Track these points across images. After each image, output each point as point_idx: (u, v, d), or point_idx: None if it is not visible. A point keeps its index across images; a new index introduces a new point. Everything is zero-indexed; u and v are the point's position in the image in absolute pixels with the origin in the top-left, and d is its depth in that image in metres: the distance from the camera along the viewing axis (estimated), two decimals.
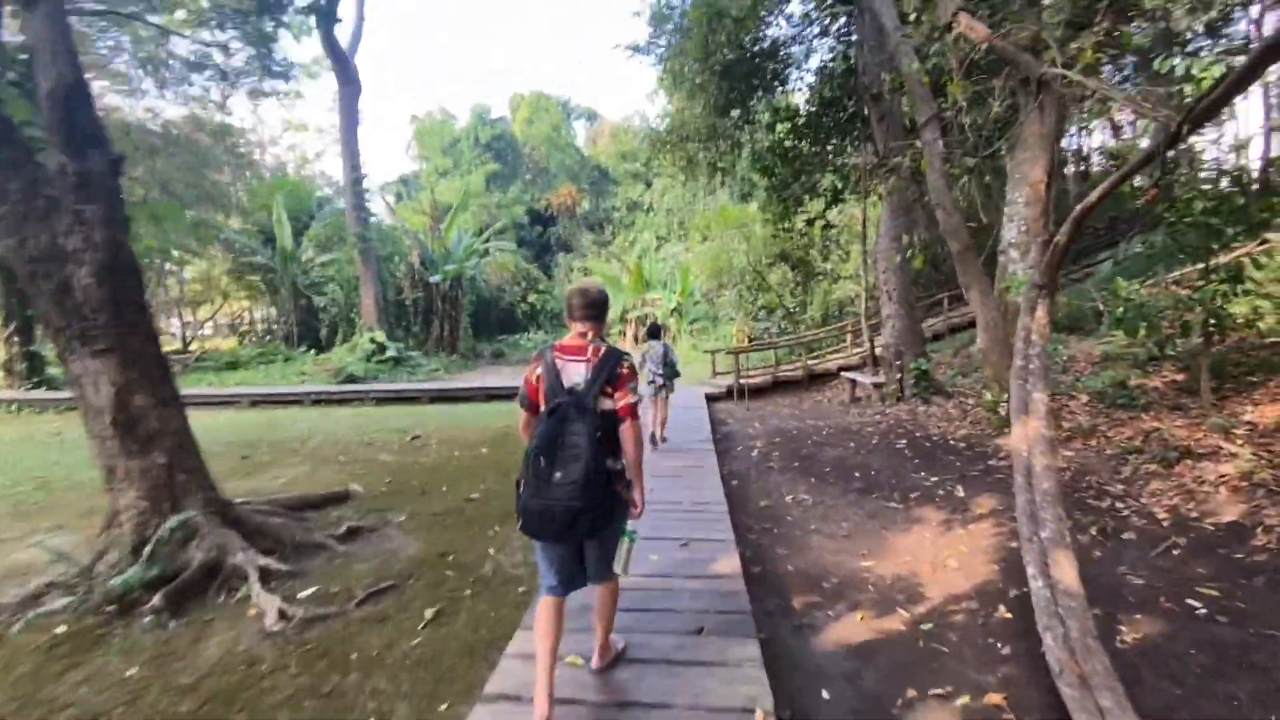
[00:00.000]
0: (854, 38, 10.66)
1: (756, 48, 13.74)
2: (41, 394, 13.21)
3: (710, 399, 11.89)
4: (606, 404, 2.25)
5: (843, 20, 12.73)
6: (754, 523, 5.04)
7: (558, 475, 2.10)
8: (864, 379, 9.98)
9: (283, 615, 3.56)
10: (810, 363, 13.22)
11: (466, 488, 6.24)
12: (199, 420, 11.07)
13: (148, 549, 3.86)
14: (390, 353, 17.49)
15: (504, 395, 12.97)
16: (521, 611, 3.42)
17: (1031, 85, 4.68)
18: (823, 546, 4.51)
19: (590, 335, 2.34)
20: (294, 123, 35.12)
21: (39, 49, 3.99)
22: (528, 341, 23.69)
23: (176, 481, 4.20)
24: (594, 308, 2.38)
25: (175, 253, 14.22)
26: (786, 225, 15.45)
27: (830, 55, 13.68)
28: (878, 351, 10.58)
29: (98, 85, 22.69)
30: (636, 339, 26.52)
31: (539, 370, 2.31)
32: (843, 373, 11.17)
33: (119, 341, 4.03)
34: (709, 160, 15.12)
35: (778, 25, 13.91)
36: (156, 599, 3.69)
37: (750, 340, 15.88)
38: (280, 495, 5.89)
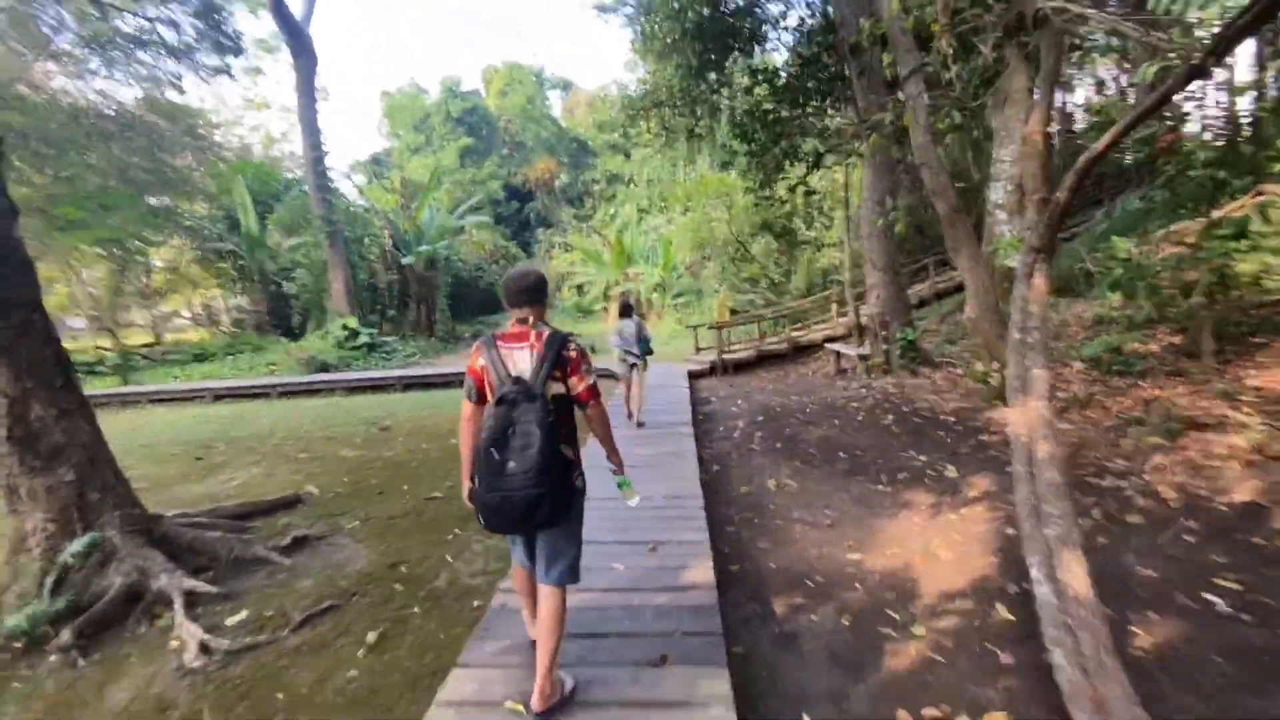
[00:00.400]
0: None
1: (730, 5, 13.08)
2: None
3: (693, 376, 11.53)
4: (557, 389, 2.21)
5: None
6: (734, 513, 4.71)
7: (511, 465, 2.05)
8: (849, 350, 9.65)
9: (205, 649, 3.18)
10: (795, 335, 12.87)
11: (429, 485, 5.86)
12: (160, 418, 10.63)
13: (50, 578, 3.44)
14: (363, 339, 16.92)
15: None
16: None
17: (1025, 26, 4.24)
18: (807, 538, 4.19)
19: (531, 320, 2.27)
20: (256, 101, 33.71)
21: None
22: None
23: (88, 499, 3.77)
24: (530, 292, 2.29)
25: (133, 242, 13.41)
26: (768, 193, 14.96)
27: (809, 10, 13.05)
28: (863, 321, 10.24)
29: (44, 68, 21.56)
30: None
31: (481, 360, 2.25)
32: (827, 345, 10.83)
33: (9, 346, 3.55)
34: (686, 126, 14.52)
35: None
36: (65, 634, 3.29)
37: (732, 313, 15.47)
38: (225, 504, 5.48)
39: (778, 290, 19.04)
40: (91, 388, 13.63)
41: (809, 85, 13.50)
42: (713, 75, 13.82)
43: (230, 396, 12.00)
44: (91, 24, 18.05)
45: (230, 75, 19.27)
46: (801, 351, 12.80)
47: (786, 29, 13.58)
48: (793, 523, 4.45)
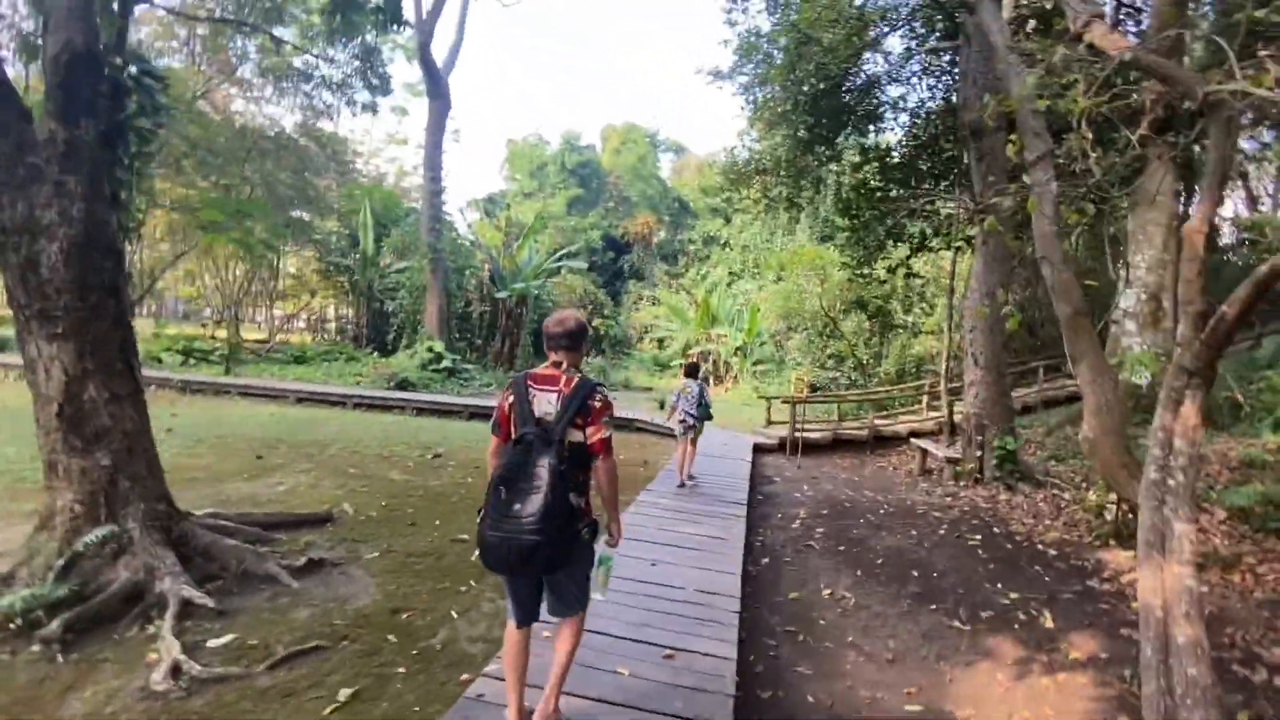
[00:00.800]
0: (957, 70, 9.65)
1: (848, 83, 12.93)
2: None
3: (759, 450, 10.86)
4: (576, 436, 2.18)
5: (946, 58, 11.74)
6: (777, 622, 4.09)
7: (516, 507, 2.02)
8: (937, 450, 8.72)
9: (176, 671, 2.96)
10: (878, 422, 11.93)
11: (462, 522, 5.60)
12: (244, 411, 11.22)
13: (60, 562, 3.40)
14: (445, 363, 17.45)
15: None
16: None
17: (1174, 123, 3.66)
18: (860, 672, 3.51)
19: (565, 365, 2.27)
20: (396, 138, 37.23)
21: (52, 10, 3.77)
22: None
23: (119, 487, 3.76)
24: (569, 337, 2.29)
25: (260, 247, 14.71)
26: (866, 270, 14.34)
27: (929, 94, 12.66)
28: (956, 420, 9.30)
29: (226, 91, 24.71)
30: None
31: (511, 398, 2.24)
32: (913, 439, 9.89)
33: (79, 326, 3.66)
34: (788, 196, 14.28)
35: (874, 61, 13.05)
36: (54, 625, 3.20)
37: (812, 389, 14.61)
38: (263, 508, 5.46)
39: (864, 372, 18.04)
40: (197, 373, 14.77)
41: (922, 167, 13.00)
42: (822, 149, 13.60)
43: (310, 401, 12.54)
44: (269, 57, 20.67)
45: (375, 111, 21.35)
46: (883, 442, 11.82)
47: (904, 110, 13.20)
48: (845, 648, 3.78)
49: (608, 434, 2.20)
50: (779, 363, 23.43)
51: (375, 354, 19.84)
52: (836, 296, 19.14)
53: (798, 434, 10.70)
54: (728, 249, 34.90)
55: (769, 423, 12.47)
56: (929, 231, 13.44)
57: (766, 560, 5.24)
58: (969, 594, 4.54)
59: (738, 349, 24.08)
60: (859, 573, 4.97)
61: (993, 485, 7.18)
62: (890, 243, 14.06)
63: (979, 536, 5.65)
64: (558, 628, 2.41)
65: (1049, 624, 4.07)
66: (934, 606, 4.36)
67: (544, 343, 2.35)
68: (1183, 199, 11.02)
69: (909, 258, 14.25)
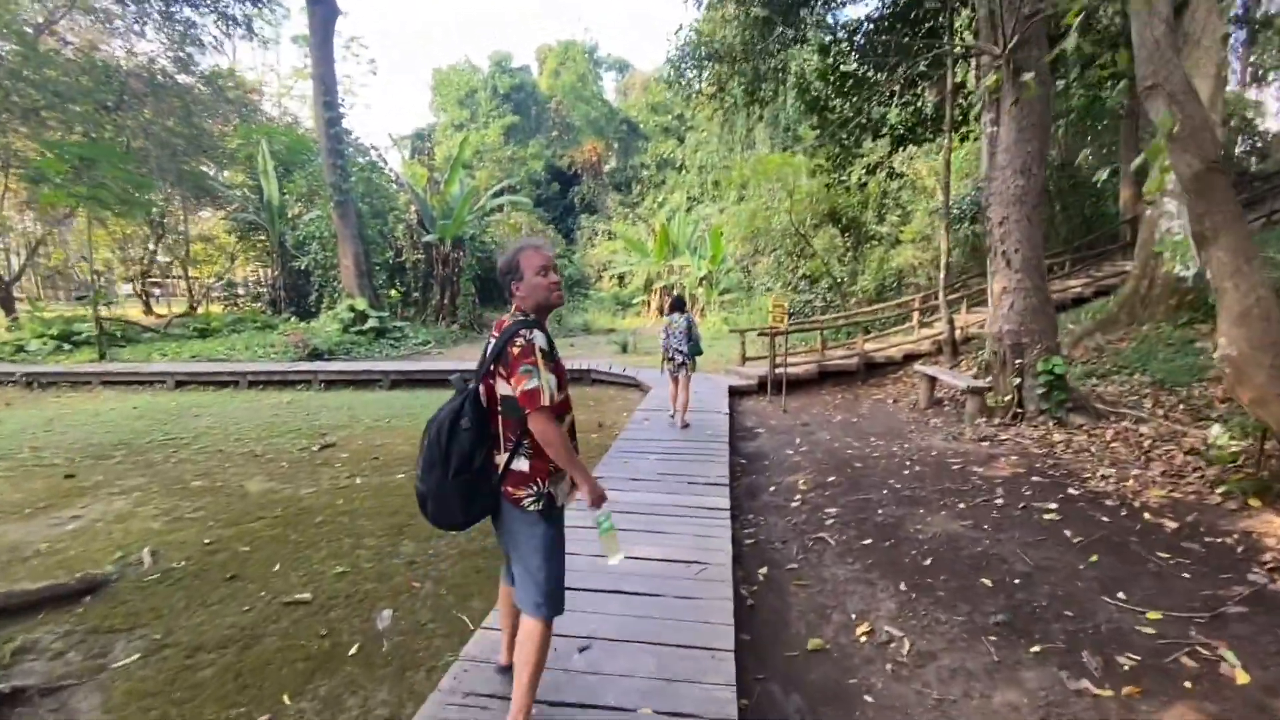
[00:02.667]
0: None
1: None
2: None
3: (735, 394, 9.20)
4: (504, 388, 1.94)
5: None
6: (796, 707, 2.44)
7: (430, 456, 1.91)
8: (951, 379, 7.13)
9: None
10: (868, 347, 10.33)
11: (316, 564, 3.79)
12: (97, 406, 8.97)
13: None
14: (371, 322, 15.21)
15: None
16: None
17: None
18: None
19: (513, 308, 2.06)
20: (304, 71, 32.84)
21: None
22: None
23: None
24: (502, 275, 2.06)
25: (112, 202, 11.94)
26: (842, 175, 12.42)
27: None
28: (991, 346, 7.72)
29: (80, 21, 20.74)
30: (662, 311, 23.77)
31: None
32: (917, 366, 8.30)
33: None
34: (746, 88, 12.06)
35: None
36: None
37: (788, 316, 12.85)
38: (16, 568, 3.54)
39: (841, 292, 16.43)
40: (65, 362, 12.32)
41: (902, 38, 10.90)
42: (782, 29, 11.35)
43: (193, 383, 10.35)
44: None
45: (251, 30, 17.94)
46: (874, 370, 10.28)
47: None
48: None
49: (533, 385, 1.85)
50: (747, 289, 21.66)
51: (292, 320, 17.40)
52: (806, 210, 17.24)
53: (779, 370, 9.03)
54: (684, 171, 32.38)
55: (744, 359, 10.79)
56: (914, 120, 11.52)
57: (764, 573, 3.58)
58: (1082, 617, 2.94)
59: (702, 279, 22.21)
60: (903, 586, 3.34)
61: (1038, 421, 5.61)
62: (868, 138, 12.13)
63: (1054, 505, 4.06)
64: (520, 625, 2.05)
65: (1237, 673, 2.48)
66: (1037, 646, 2.75)
67: None
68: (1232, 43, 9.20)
69: (891, 154, 12.39)
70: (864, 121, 11.59)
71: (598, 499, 2.02)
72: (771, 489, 5.02)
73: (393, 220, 19.99)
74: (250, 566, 3.80)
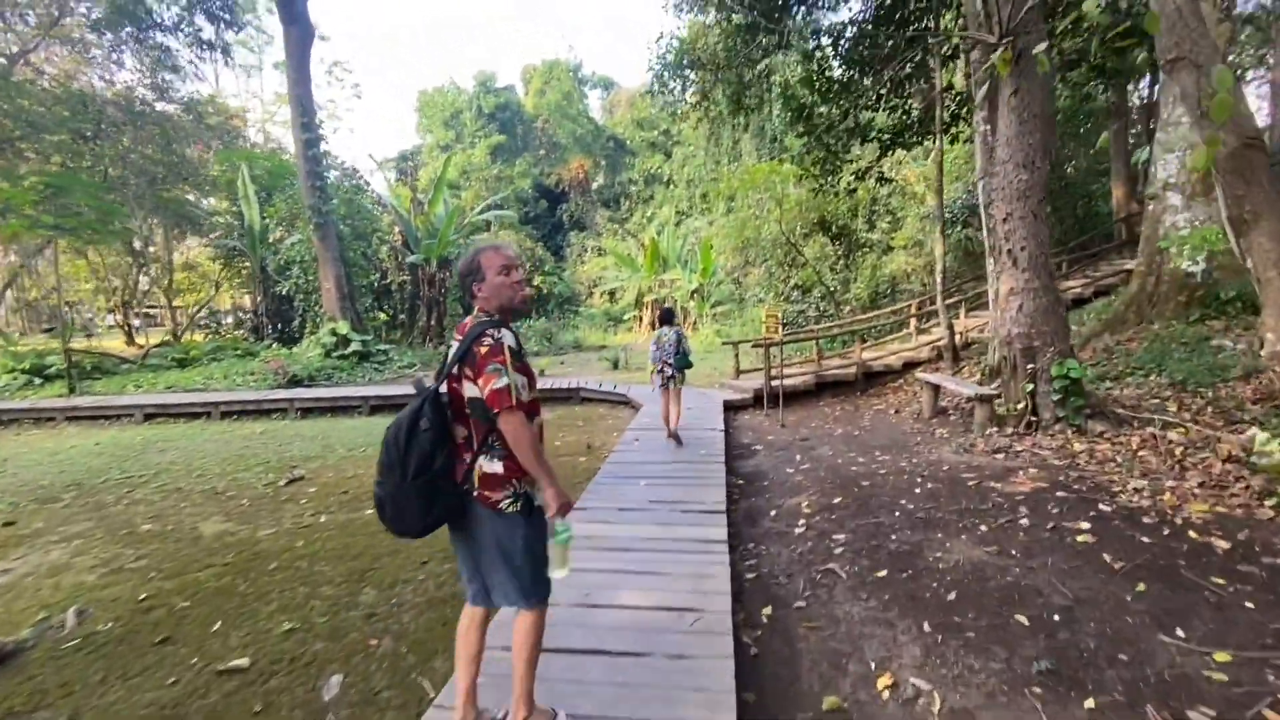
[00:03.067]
0: None
1: None
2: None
3: (731, 408, 8.81)
4: (472, 390, 1.87)
5: None
6: None
7: (389, 458, 1.82)
8: (956, 386, 6.77)
9: None
10: (866, 356, 9.98)
11: (261, 623, 3.34)
12: (56, 445, 8.50)
13: None
14: (354, 346, 14.77)
15: None
16: None
17: None
18: None
19: (476, 310, 2.00)
20: (286, 96, 32.61)
21: None
22: (529, 329, 20.78)
23: None
24: (462, 278, 2.02)
25: (84, 231, 11.48)
26: (831, 182, 12.16)
27: None
28: (1000, 351, 7.39)
29: (56, 51, 20.46)
30: (654, 325, 23.42)
31: None
32: (918, 375, 7.95)
33: None
34: (731, 95, 11.84)
35: None
36: None
37: (783, 326, 12.34)
38: None
39: (834, 301, 16.13)
40: (34, 397, 11.81)
41: (890, 39, 10.72)
42: (765, 36, 11.17)
43: (163, 416, 9.87)
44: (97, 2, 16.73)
45: (228, 54, 17.73)
46: (873, 379, 9.93)
47: None
48: None
49: (500, 384, 1.81)
50: (739, 301, 21.39)
51: (275, 346, 16.94)
52: (796, 219, 17.00)
53: (774, 382, 8.66)
54: (672, 186, 32.30)
55: (738, 372, 10.41)
56: (904, 122, 11.30)
57: (769, 614, 3.16)
58: (1139, 660, 2.54)
59: (693, 292, 21.94)
60: (926, 626, 2.93)
61: (1055, 430, 5.24)
62: (856, 144, 11.91)
63: (1085, 525, 3.67)
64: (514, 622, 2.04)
65: None
66: (1091, 700, 2.35)
67: None
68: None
69: (879, 158, 12.16)
70: (851, 126, 11.37)
71: (564, 508, 1.93)
72: (773, 513, 4.61)
73: (376, 242, 19.67)
74: (187, 625, 3.35)
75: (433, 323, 19.83)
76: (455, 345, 1.93)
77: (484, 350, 1.83)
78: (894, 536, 3.86)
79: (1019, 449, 5.13)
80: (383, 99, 78.72)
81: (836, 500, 4.67)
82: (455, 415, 1.92)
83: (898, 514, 4.23)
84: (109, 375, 14.76)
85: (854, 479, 5.16)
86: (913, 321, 11.65)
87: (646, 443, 6.30)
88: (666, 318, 6.43)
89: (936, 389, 7.43)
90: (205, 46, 16.37)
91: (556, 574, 1.95)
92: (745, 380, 10.09)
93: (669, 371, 6.18)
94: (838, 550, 3.81)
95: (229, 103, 28.74)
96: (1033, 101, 5.24)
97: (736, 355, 10.52)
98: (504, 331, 1.88)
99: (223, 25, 15.56)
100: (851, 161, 12.14)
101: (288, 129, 31.10)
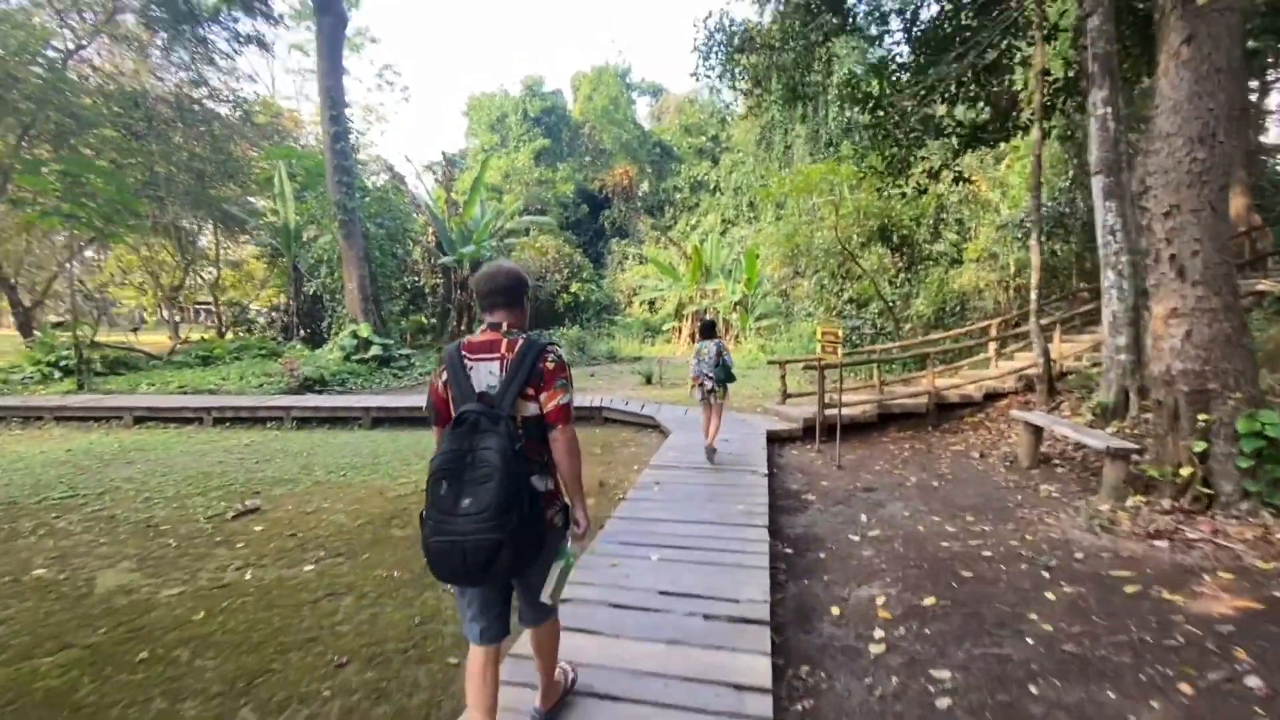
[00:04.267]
0: None
1: None
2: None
3: (775, 439, 7.47)
4: (529, 409, 1.85)
5: None
6: None
7: (465, 503, 1.64)
8: (1073, 432, 5.26)
9: None
10: (939, 384, 8.45)
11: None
12: (24, 449, 7.41)
13: None
14: (375, 350, 14.01)
15: None
16: None
17: None
18: None
19: (505, 326, 1.92)
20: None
21: None
22: (562, 337, 19.80)
23: None
24: (503, 293, 1.94)
25: (94, 219, 10.97)
26: (899, 182, 10.70)
27: None
28: (1160, 390, 5.87)
29: (109, 49, 20.74)
30: (694, 338, 22.15)
31: (445, 375, 1.89)
32: (1015, 412, 6.42)
33: None
34: (788, 83, 10.53)
35: None
36: None
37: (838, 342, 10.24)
38: None
39: (894, 317, 14.50)
40: (29, 393, 11.37)
41: (970, 22, 9.29)
42: (828, 16, 9.86)
43: (153, 419, 9.14)
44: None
45: (265, 46, 17.44)
46: (946, 411, 8.41)
47: None
48: None
49: (566, 399, 1.87)
50: (785, 315, 19.88)
51: (299, 347, 16.41)
52: (852, 226, 15.48)
53: (829, 410, 7.27)
54: (718, 194, 31.01)
55: (785, 396, 9.03)
56: (989, 114, 9.79)
57: None
58: None
59: (736, 303, 20.56)
60: None
61: (1241, 509, 3.73)
62: (931, 139, 10.43)
63: None
64: (532, 637, 2.05)
65: None
66: None
67: (479, 304, 1.97)
68: None
69: (956, 156, 10.63)
70: (925, 118, 9.92)
71: (586, 529, 1.99)
72: (835, 610, 3.29)
73: (410, 244, 19.08)
74: None
75: (462, 327, 19.04)
76: (492, 362, 1.85)
77: (551, 367, 1.85)
78: (1034, 689, 2.48)
79: (1192, 536, 3.64)
80: (433, 103, 79.93)
81: (927, 600, 3.30)
82: None
83: (1030, 640, 2.83)
84: (134, 371, 14.42)
85: (947, 562, 3.77)
86: (992, 345, 10.02)
87: (670, 490, 5.02)
88: (708, 330, 6.22)
89: (1039, 431, 5.92)
90: (243, 41, 16.07)
91: (546, 597, 1.89)
92: (793, 406, 8.71)
93: (709, 385, 5.95)
94: (941, 702, 2.46)
95: (282, 104, 29.11)
96: (1215, 52, 3.79)
97: (783, 377, 9.14)
98: (558, 347, 1.90)
99: (260, 17, 15.18)
100: (925, 158, 10.65)
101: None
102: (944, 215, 15.85)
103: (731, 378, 6.07)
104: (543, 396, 1.81)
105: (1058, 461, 5.98)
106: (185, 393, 11.55)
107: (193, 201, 20.17)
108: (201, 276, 26.84)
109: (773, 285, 20.58)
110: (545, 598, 1.88)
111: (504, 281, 1.92)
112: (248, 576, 3.92)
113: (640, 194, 35.19)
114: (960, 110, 10.50)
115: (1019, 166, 15.49)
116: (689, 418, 8.51)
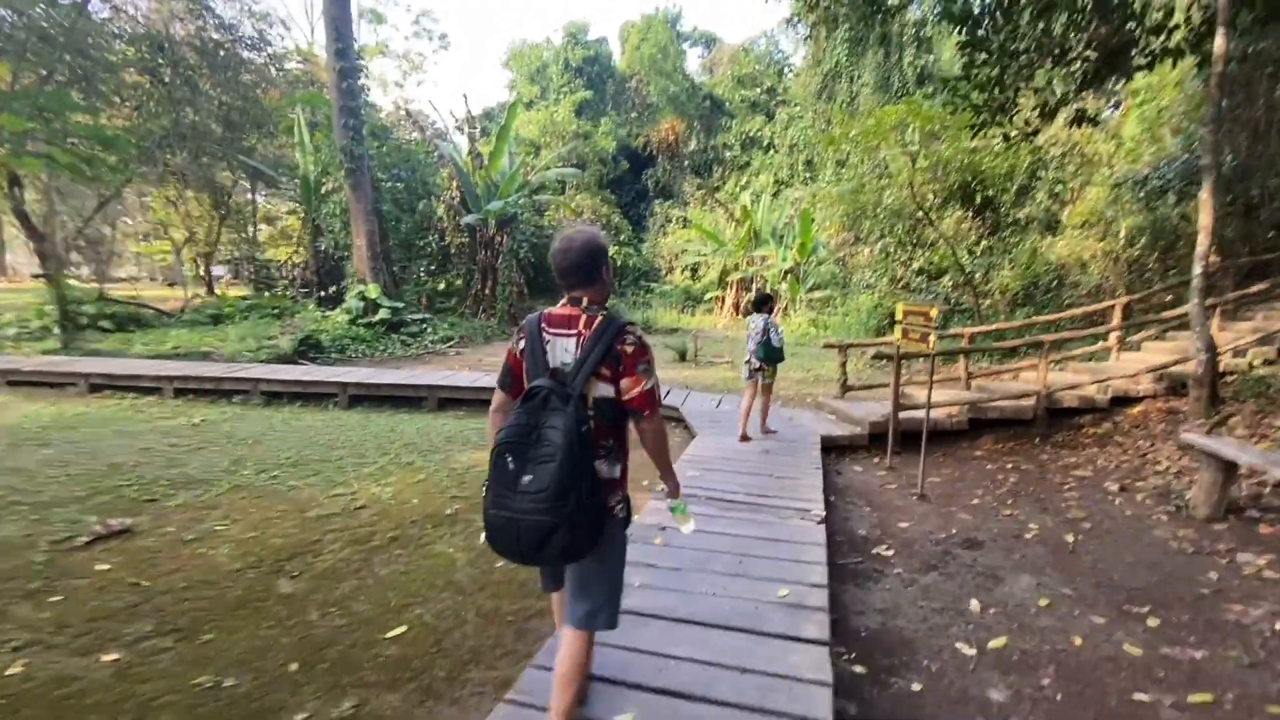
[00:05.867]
0: None
1: None
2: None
3: (832, 448, 5.77)
4: (603, 390, 1.74)
5: None
6: None
7: (526, 479, 1.58)
8: (1271, 465, 3.38)
9: None
10: (1054, 385, 6.48)
11: None
12: None
13: None
14: (383, 313, 12.79)
15: (467, 402, 7.60)
16: None
17: None
18: None
19: (586, 302, 1.79)
20: (370, 49, 31.40)
21: None
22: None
23: None
24: (577, 272, 1.78)
25: (67, 160, 9.90)
26: (1003, 121, 8.51)
27: None
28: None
29: None
30: (738, 309, 20.25)
31: (523, 343, 1.80)
32: (1186, 435, 4.50)
33: None
34: (863, 13, 8.47)
35: None
36: None
37: (930, 327, 7.74)
38: None
39: (975, 292, 12.27)
40: (11, 350, 10.58)
41: None
42: None
43: (110, 389, 8.08)
44: None
45: None
46: (1057, 416, 6.47)
47: None
48: None
49: (650, 384, 1.75)
50: (842, 286, 17.72)
51: (311, 306, 15.41)
52: (929, 183, 13.19)
53: (903, 414, 5.50)
54: (772, 152, 28.45)
55: (844, 389, 7.24)
56: (1127, 35, 7.49)
57: None
58: None
59: (787, 271, 18.51)
60: None
61: None
62: (1049, 68, 8.21)
63: None
64: (564, 643, 1.84)
65: None
66: None
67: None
68: None
69: (1079, 90, 8.36)
70: (1044, 36, 7.71)
71: (677, 490, 2.05)
72: None
73: (434, 200, 17.73)
74: None
75: (486, 290, 17.69)
76: (569, 339, 1.73)
77: (631, 349, 1.72)
78: None
79: None
80: (474, 55, 77.53)
81: None
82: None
83: None
84: (145, 329, 13.69)
85: (1114, 694, 2.08)
86: (1113, 337, 7.89)
87: (677, 553, 3.40)
88: (760, 303, 5.72)
89: (1231, 469, 4.03)
90: None
91: (685, 528, 2.06)
92: (854, 402, 6.93)
93: (755, 363, 5.54)
94: None
95: (319, 53, 27.91)
96: None
97: (843, 364, 7.31)
98: (637, 327, 1.79)
99: None
100: (1037, 91, 8.42)
101: (377, 83, 30.09)
102: (1040, 172, 13.37)
103: (780, 356, 5.59)
104: (624, 383, 1.72)
105: (1254, 511, 4.10)
106: (176, 355, 10.58)
107: (223, 153, 19.33)
108: (239, 233, 26.37)
109: (829, 252, 18.42)
110: (683, 528, 2.05)
111: (576, 258, 1.77)
112: (12, 671, 2.55)
113: (687, 152, 32.85)
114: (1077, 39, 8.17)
115: (1138, 113, 12.77)
116: (721, 411, 6.87)
